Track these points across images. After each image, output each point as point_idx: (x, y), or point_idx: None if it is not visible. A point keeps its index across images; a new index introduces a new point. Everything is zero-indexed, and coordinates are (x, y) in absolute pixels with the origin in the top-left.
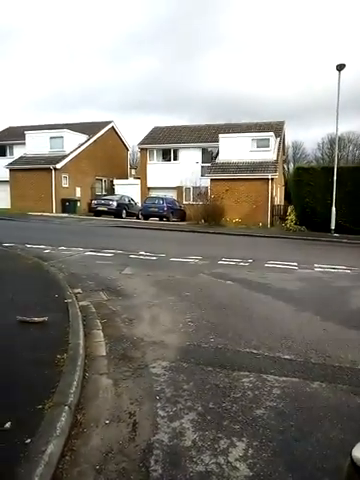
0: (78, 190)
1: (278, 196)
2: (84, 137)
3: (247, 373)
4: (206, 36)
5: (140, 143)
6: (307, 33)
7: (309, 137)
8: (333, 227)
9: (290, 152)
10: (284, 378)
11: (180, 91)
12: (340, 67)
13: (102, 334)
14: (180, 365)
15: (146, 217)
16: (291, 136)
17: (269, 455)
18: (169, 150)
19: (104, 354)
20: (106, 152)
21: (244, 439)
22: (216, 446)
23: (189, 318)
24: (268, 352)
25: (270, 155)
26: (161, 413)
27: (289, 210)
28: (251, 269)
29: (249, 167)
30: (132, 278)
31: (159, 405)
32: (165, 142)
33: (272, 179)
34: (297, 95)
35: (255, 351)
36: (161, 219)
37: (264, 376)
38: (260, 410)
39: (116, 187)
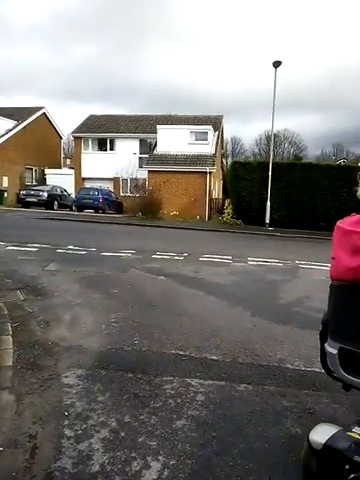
0: (5, 179)
1: (216, 190)
2: (12, 123)
3: (171, 378)
4: (149, 26)
5: (74, 131)
6: (252, 29)
7: (249, 133)
8: (268, 221)
9: (229, 147)
10: (210, 381)
11: (121, 81)
12: (276, 64)
13: (11, 340)
14: (97, 373)
15: (80, 209)
16: (231, 131)
17: (186, 475)
18: (105, 140)
19: (10, 364)
20: (37, 140)
21: (160, 458)
22: (127, 469)
23: (114, 318)
24: (195, 353)
25: (208, 148)
26: (68, 433)
27: (226, 204)
28: (185, 263)
29: (187, 160)
30: (56, 275)
31: (66, 423)
32: (101, 131)
33: (210, 173)
34: (238, 91)
35: (181, 352)
36: (96, 211)
37: (189, 380)
38: (181, 421)
39: (48, 177)
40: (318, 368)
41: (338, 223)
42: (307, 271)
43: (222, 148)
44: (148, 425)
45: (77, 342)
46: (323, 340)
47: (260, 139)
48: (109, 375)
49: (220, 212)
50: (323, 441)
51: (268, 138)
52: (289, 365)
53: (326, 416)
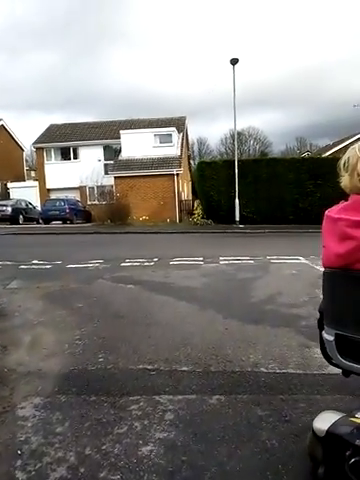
0: None
1: (185, 191)
2: None
3: (137, 397)
4: (107, 32)
5: (35, 142)
6: (211, 29)
7: (215, 133)
8: (238, 218)
9: (195, 148)
10: (179, 397)
11: (83, 89)
12: (234, 61)
13: None
14: (57, 400)
15: (47, 221)
16: (197, 133)
17: None
18: (68, 148)
19: None
20: None
21: None
22: None
23: (78, 335)
24: (164, 365)
25: (174, 150)
26: (20, 476)
27: (196, 205)
28: (155, 268)
29: (153, 163)
30: (18, 293)
31: (19, 463)
32: (63, 140)
33: (178, 174)
34: (202, 92)
35: (149, 366)
36: (64, 222)
37: (157, 398)
38: (147, 447)
39: (11, 191)
40: (292, 369)
41: (326, 212)
42: (278, 266)
43: (188, 149)
44: (111, 456)
45: (36, 366)
46: (321, 328)
47: (225, 138)
48: (70, 401)
49: (190, 213)
50: (326, 428)
51: (233, 136)
52: (263, 369)
53: (303, 423)
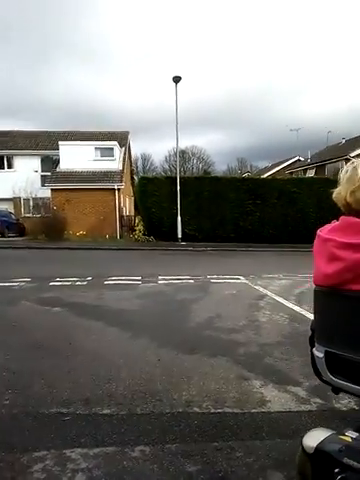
0: None
1: (127, 207)
2: None
3: (44, 452)
4: (53, 42)
5: None
6: (158, 47)
7: (160, 150)
8: (180, 236)
9: (139, 164)
10: (96, 450)
11: (27, 98)
12: (176, 79)
13: None
14: None
15: None
16: (142, 149)
17: None
18: (2, 157)
19: None
20: None
21: None
22: None
23: None
24: (83, 408)
25: (115, 165)
26: None
27: (137, 221)
28: (88, 289)
29: (94, 177)
30: None
31: None
32: None
33: (119, 189)
34: (149, 109)
35: (64, 410)
36: None
37: (68, 453)
38: None
39: None
40: (229, 407)
41: (318, 231)
42: (218, 286)
43: (131, 164)
44: None
45: None
46: (312, 345)
47: (169, 156)
48: None
49: (132, 229)
50: (315, 445)
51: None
52: (196, 408)
53: (240, 478)
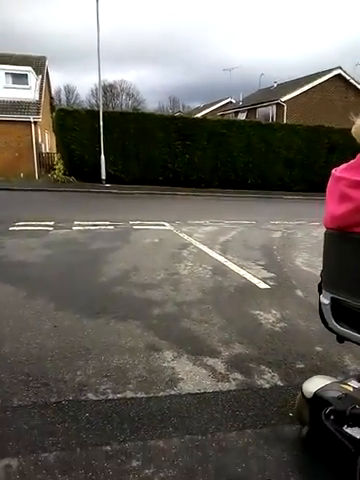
0: None
1: (47, 143)
2: None
3: None
4: None
5: None
6: None
7: (87, 84)
8: (104, 177)
9: (63, 97)
10: None
11: None
12: None
13: None
14: None
15: None
16: (65, 81)
17: None
18: None
19: None
20: None
21: None
22: None
23: None
24: None
25: (31, 94)
26: None
27: (56, 159)
28: None
29: (5, 107)
30: None
31: None
32: None
33: (36, 122)
34: (77, 37)
35: None
36: None
37: None
38: None
39: None
40: (132, 391)
41: (333, 170)
42: (140, 233)
43: (51, 96)
44: None
45: None
46: (320, 291)
47: (96, 89)
48: None
49: (52, 169)
50: (313, 390)
51: (104, 88)
52: (91, 394)
53: None
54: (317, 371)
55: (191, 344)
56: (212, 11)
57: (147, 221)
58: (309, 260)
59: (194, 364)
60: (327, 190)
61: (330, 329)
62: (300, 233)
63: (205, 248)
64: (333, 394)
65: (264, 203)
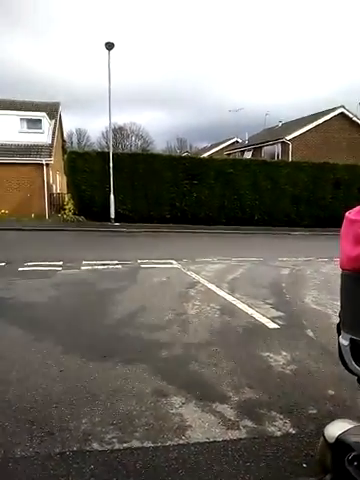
0: None
1: (57, 184)
2: None
3: None
4: None
5: None
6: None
7: (98, 127)
8: (113, 216)
9: (74, 139)
10: None
11: None
12: (109, 46)
13: None
14: None
15: None
16: (76, 124)
17: None
18: None
19: None
20: None
21: None
22: None
23: None
24: None
25: (44, 138)
26: None
27: (66, 199)
28: None
29: (19, 150)
30: None
31: None
32: None
33: (47, 164)
34: (85, 83)
35: None
36: None
37: None
38: None
39: None
40: (138, 440)
41: (346, 213)
42: (148, 272)
43: (63, 139)
44: None
45: None
46: (339, 332)
47: (107, 131)
48: None
49: (62, 209)
50: (336, 434)
51: (114, 131)
52: (96, 444)
53: None
54: (330, 417)
55: (199, 389)
56: (218, 55)
57: (155, 259)
58: (318, 298)
59: (203, 410)
60: (341, 232)
61: (350, 370)
62: (309, 270)
63: (213, 287)
64: (357, 439)
65: (271, 239)
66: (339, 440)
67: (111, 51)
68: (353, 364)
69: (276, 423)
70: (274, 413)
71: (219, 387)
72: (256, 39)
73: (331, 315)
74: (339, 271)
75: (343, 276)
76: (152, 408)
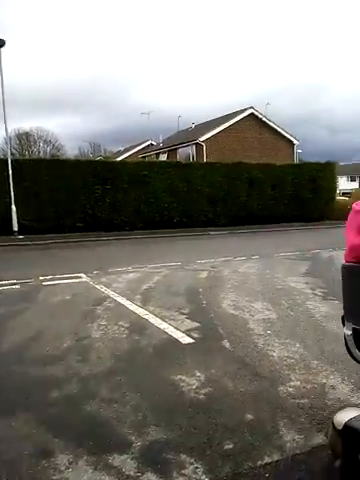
0: None
1: None
2: None
3: None
4: None
5: None
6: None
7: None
8: (16, 229)
9: None
10: None
11: None
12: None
13: None
14: None
15: None
16: None
17: None
18: None
19: None
20: None
21: None
22: None
23: None
24: None
25: None
26: None
27: None
28: None
29: None
30: None
31: None
32: None
33: None
34: None
35: None
36: None
37: None
38: None
39: None
40: None
41: (353, 204)
42: (50, 290)
43: None
44: None
45: None
46: (343, 323)
47: (10, 138)
48: None
49: None
50: (344, 421)
51: (19, 136)
52: None
53: None
54: (247, 451)
55: (94, 438)
56: (132, 60)
57: (60, 275)
58: (236, 301)
59: (95, 469)
60: (347, 223)
61: (355, 358)
62: (226, 270)
63: (123, 300)
64: None
65: (190, 241)
66: (347, 426)
67: (1, 49)
68: (357, 352)
69: (185, 471)
70: (183, 456)
71: (120, 430)
72: (170, 44)
73: (248, 320)
74: (255, 269)
75: (346, 267)
76: (28, 477)
